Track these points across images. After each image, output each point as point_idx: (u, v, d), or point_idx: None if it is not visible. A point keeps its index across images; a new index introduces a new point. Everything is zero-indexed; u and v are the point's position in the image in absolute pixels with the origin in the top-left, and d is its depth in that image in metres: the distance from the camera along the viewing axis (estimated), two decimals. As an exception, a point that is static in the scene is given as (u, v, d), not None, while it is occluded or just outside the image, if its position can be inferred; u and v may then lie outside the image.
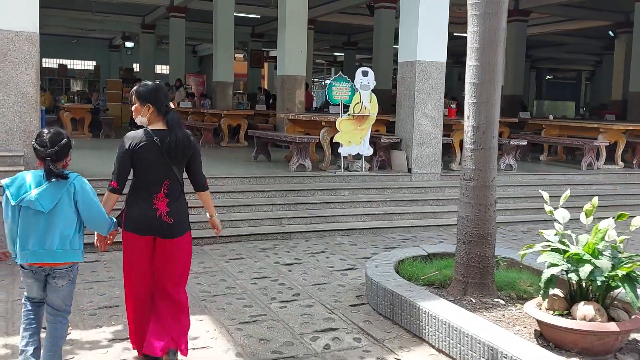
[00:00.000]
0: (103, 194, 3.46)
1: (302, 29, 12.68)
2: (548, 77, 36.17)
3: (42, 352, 3.24)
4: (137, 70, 26.14)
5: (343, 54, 29.14)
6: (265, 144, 10.15)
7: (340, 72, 8.68)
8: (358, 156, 9.00)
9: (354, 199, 8.27)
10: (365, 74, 8.86)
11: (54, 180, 3.05)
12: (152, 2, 20.20)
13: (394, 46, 15.57)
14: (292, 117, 10.08)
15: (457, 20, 21.68)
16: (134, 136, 3.42)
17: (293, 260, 6.28)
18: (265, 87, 27.58)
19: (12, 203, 3.04)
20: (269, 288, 5.32)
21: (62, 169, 3.14)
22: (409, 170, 9.08)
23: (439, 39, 9.01)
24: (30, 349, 3.18)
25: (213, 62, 16.81)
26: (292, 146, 8.88)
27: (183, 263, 3.57)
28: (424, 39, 8.90)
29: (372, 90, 8.92)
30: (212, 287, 5.31)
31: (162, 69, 28.95)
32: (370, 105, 8.83)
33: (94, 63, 29.00)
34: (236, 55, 32.76)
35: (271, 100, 22.67)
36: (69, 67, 28.11)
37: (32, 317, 3.26)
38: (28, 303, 3.28)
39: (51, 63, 28.94)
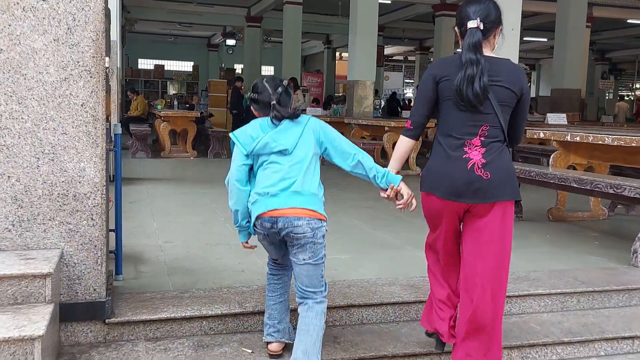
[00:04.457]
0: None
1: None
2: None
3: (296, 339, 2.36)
4: (239, 71, 21.94)
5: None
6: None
7: None
8: None
9: None
10: None
11: (284, 122, 2.41)
12: (263, -13, 15.81)
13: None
14: (601, 137, 4.92)
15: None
16: (442, 63, 2.46)
17: None
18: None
19: (245, 152, 2.39)
20: None
21: None
22: None
23: None
24: (269, 323, 2.59)
25: (349, 56, 12.14)
26: None
27: (501, 247, 2.35)
28: None
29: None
30: None
31: (266, 70, 24.69)
32: None
33: (192, 63, 25.09)
34: (343, 54, 28.25)
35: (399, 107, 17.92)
36: (165, 68, 24.33)
37: (275, 282, 2.59)
38: (271, 265, 2.62)
39: (147, 64, 25.38)
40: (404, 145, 2.54)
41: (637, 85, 28.58)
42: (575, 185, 4.33)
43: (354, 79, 11.53)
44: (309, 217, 2.31)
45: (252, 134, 2.42)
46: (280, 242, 2.40)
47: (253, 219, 2.39)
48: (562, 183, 4.46)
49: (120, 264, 3.21)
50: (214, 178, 7.70)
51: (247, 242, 2.52)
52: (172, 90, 23.22)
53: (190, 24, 20.93)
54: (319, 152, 2.46)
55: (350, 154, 2.45)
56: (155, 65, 23.97)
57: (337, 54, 25.29)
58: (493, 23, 2.37)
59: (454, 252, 2.53)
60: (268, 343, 2.60)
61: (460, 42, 2.41)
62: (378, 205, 5.58)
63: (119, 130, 3.21)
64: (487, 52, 2.38)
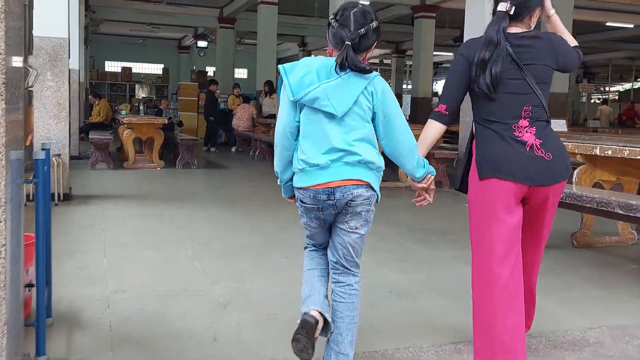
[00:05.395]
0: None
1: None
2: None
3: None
4: (211, 74, 20.91)
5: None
6: None
7: None
8: None
9: None
10: None
11: (347, 73, 1.95)
12: (236, -14, 14.87)
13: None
14: None
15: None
16: (473, 43, 2.27)
17: None
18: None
19: (291, 98, 1.97)
20: None
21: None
22: None
23: None
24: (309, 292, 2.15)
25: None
26: None
27: (549, 224, 2.35)
28: None
29: None
30: None
31: (239, 72, 23.72)
32: None
33: (162, 66, 23.93)
34: (319, 57, 27.29)
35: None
36: (133, 70, 23.11)
37: (320, 257, 2.24)
38: (311, 249, 2.25)
39: (114, 66, 24.13)
40: (435, 131, 2.31)
41: (611, 89, 28.50)
42: (622, 212, 3.54)
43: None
44: (366, 185, 2.03)
45: (305, 78, 1.97)
46: (331, 215, 2.06)
47: (300, 186, 2.04)
48: (603, 208, 3.66)
49: (42, 340, 2.28)
50: (182, 194, 6.76)
51: (290, 198, 2.21)
52: (141, 94, 22.07)
53: (160, 25, 19.82)
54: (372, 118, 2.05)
55: (396, 142, 2.03)
56: (123, 68, 22.78)
57: (313, 56, 24.47)
58: (527, 8, 2.21)
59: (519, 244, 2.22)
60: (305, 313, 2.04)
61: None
62: (379, 229, 4.73)
63: (42, 155, 2.28)
64: (519, 30, 2.21)
